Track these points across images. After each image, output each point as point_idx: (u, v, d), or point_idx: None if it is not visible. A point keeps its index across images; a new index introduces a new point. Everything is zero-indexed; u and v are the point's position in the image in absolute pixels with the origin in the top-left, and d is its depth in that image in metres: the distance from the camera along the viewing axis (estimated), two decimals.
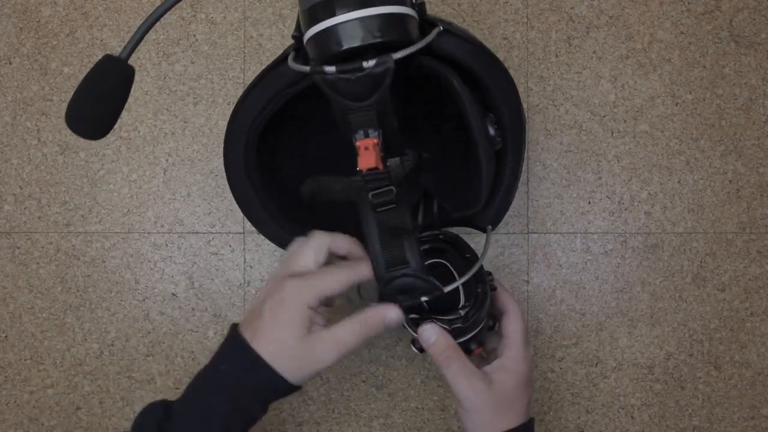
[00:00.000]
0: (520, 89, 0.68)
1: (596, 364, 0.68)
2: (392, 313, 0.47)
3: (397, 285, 0.48)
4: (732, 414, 0.69)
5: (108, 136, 0.68)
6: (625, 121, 0.68)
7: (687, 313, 0.68)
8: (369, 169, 0.43)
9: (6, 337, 0.69)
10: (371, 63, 0.40)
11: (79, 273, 0.69)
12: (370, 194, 0.45)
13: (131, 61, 0.41)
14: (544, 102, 0.68)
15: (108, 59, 0.41)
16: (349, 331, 0.45)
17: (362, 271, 0.48)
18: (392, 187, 0.45)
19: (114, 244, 0.69)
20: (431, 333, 0.49)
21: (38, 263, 0.69)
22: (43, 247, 0.69)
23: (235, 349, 0.46)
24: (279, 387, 0.45)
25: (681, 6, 0.69)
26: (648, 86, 0.68)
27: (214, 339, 0.68)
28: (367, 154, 0.43)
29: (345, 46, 0.40)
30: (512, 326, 0.52)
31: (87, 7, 0.69)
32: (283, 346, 0.45)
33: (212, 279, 0.68)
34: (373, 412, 0.69)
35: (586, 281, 0.68)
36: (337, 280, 0.47)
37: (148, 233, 0.68)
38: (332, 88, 0.42)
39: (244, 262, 0.69)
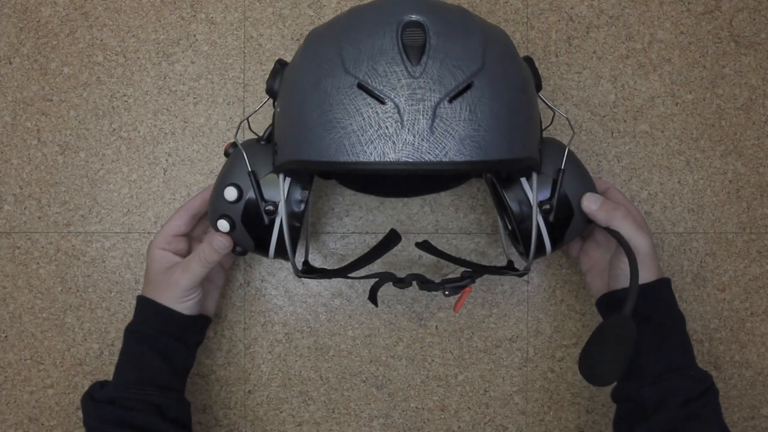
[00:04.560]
0: None
1: None
2: (216, 240, 0.55)
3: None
4: (732, 414, 0.69)
5: (108, 135, 0.68)
6: (625, 121, 0.68)
7: (687, 313, 0.68)
8: None
9: (6, 337, 0.69)
10: None
11: (79, 273, 0.69)
12: None
13: None
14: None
15: (614, 319, 0.48)
16: (192, 259, 0.56)
17: (193, 204, 0.59)
18: None
19: (114, 244, 0.69)
20: (594, 198, 0.54)
21: (38, 263, 0.69)
22: (43, 247, 0.69)
23: (137, 306, 0.59)
24: (172, 314, 0.56)
25: (681, 6, 0.69)
26: (648, 86, 0.68)
27: (214, 339, 0.68)
28: None
29: None
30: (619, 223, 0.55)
31: (87, 7, 0.69)
32: (156, 283, 0.57)
33: None
34: (373, 412, 0.69)
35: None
36: (177, 216, 0.59)
37: (148, 233, 0.68)
38: None
39: (244, 261, 0.69)
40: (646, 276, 0.54)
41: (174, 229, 0.58)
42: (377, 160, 0.44)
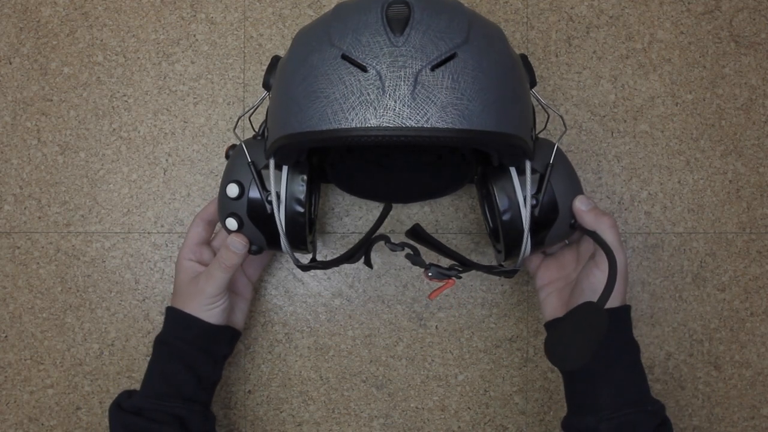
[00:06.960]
0: None
1: None
2: (231, 240, 0.55)
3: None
4: (732, 414, 0.69)
5: (108, 135, 0.68)
6: (625, 121, 0.68)
7: (687, 313, 0.68)
8: None
9: (6, 337, 0.69)
10: None
11: (79, 273, 0.69)
12: None
13: None
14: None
15: (588, 306, 0.46)
16: (213, 265, 0.56)
17: (207, 211, 0.60)
18: None
19: (114, 244, 0.69)
20: (586, 201, 0.54)
21: (38, 263, 0.69)
22: (43, 247, 0.69)
23: (165, 316, 0.59)
24: (199, 323, 0.56)
25: (681, 6, 0.69)
26: (648, 86, 0.68)
27: None
28: None
29: None
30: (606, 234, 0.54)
31: (87, 7, 0.69)
32: (183, 292, 0.57)
33: None
34: (373, 412, 0.69)
35: None
36: (194, 224, 0.59)
37: (148, 233, 0.69)
38: None
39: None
40: (613, 299, 0.53)
41: (195, 238, 0.59)
42: (358, 126, 0.44)
